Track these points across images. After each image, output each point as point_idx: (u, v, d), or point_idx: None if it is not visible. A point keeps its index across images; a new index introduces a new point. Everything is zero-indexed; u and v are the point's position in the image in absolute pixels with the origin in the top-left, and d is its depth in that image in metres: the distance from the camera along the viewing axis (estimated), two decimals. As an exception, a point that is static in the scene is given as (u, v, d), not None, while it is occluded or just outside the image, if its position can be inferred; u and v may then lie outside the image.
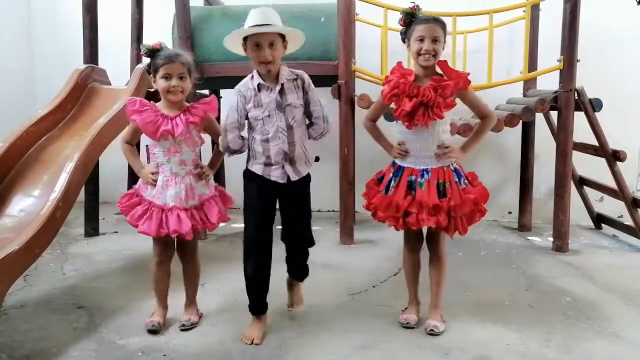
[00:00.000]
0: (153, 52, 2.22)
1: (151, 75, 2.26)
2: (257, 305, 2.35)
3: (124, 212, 2.27)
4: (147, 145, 2.33)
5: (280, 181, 2.26)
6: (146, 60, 2.31)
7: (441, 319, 2.35)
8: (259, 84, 2.22)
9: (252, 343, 2.24)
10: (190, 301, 2.45)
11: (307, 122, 2.34)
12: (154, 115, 2.21)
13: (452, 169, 2.26)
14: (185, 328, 2.34)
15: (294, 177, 2.26)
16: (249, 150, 2.33)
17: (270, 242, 2.30)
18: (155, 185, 2.24)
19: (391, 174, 2.29)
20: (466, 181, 2.27)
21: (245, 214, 2.35)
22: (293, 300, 2.54)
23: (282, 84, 2.21)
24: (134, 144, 2.35)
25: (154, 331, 2.30)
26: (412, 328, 2.35)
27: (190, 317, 2.38)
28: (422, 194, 2.19)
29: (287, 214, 2.37)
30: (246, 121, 2.31)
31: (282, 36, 2.20)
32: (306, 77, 2.30)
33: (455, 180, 2.24)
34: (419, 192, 2.20)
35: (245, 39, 2.19)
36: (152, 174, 2.26)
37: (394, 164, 2.33)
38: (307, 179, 2.36)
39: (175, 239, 2.34)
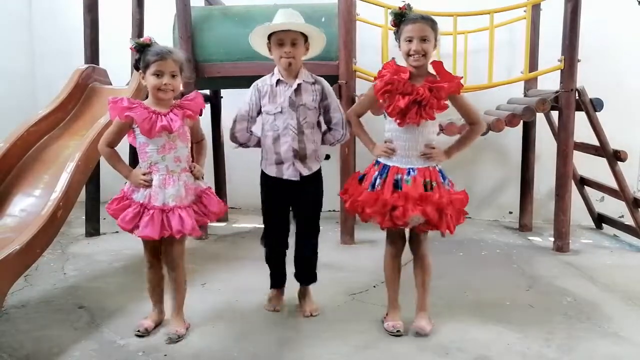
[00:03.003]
0: (143, 48, 2.15)
1: (140, 71, 2.19)
2: (278, 282, 2.56)
3: (114, 216, 2.18)
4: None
5: (293, 179, 2.35)
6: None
7: (429, 321, 2.32)
8: (277, 80, 2.32)
9: (274, 310, 2.49)
10: (177, 311, 2.32)
11: (325, 127, 2.44)
12: (147, 112, 2.13)
13: (438, 169, 2.25)
14: (172, 341, 2.22)
15: (305, 173, 2.36)
16: (261, 151, 2.40)
17: (287, 233, 2.44)
18: (147, 187, 2.16)
19: (376, 172, 2.26)
20: (450, 184, 2.26)
21: (264, 213, 2.47)
22: (305, 307, 2.53)
23: (299, 84, 2.30)
24: (114, 147, 2.21)
25: (139, 336, 2.26)
26: (402, 336, 2.29)
27: (177, 329, 2.26)
28: (409, 188, 2.17)
29: (297, 214, 2.45)
30: (259, 118, 2.39)
31: (305, 38, 2.31)
32: (325, 83, 2.40)
33: (441, 181, 2.23)
34: (405, 187, 2.18)
35: (269, 37, 2.30)
36: (144, 174, 2.17)
37: (377, 163, 2.30)
38: (318, 176, 2.45)
39: (161, 244, 2.26)
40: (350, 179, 2.38)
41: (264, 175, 2.44)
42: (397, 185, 2.21)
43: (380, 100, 2.23)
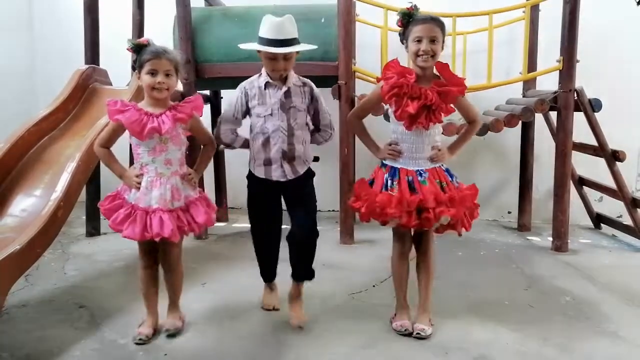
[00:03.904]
0: (139, 48, 2.16)
1: (136, 71, 2.19)
2: (267, 274, 2.58)
3: (105, 215, 2.18)
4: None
5: (281, 180, 2.32)
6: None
7: (429, 322, 2.33)
8: (266, 83, 2.28)
9: (273, 309, 2.51)
10: (173, 306, 2.36)
11: (312, 127, 2.41)
12: (138, 114, 2.13)
13: (444, 169, 2.28)
14: (171, 333, 2.27)
15: (291, 176, 2.33)
16: (250, 152, 2.36)
17: (279, 234, 2.43)
18: (139, 189, 2.17)
19: (386, 174, 2.25)
20: (458, 180, 2.29)
21: (251, 215, 2.40)
22: (293, 316, 2.40)
23: (289, 87, 2.28)
24: (110, 147, 2.24)
25: (140, 343, 2.23)
26: (410, 335, 2.29)
27: (174, 322, 2.31)
28: (430, 189, 2.17)
29: (291, 209, 2.40)
30: (247, 118, 2.35)
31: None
32: (313, 85, 2.38)
33: (449, 180, 2.26)
34: (424, 188, 2.17)
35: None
36: (137, 176, 2.18)
37: (383, 165, 2.30)
38: (308, 175, 2.40)
39: (157, 246, 2.26)
40: (357, 186, 2.33)
41: (251, 177, 2.39)
42: (410, 187, 2.20)
43: (387, 103, 2.23)
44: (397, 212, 2.16)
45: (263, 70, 2.30)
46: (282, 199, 2.42)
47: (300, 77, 2.36)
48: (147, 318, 2.35)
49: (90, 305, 2.63)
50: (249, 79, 2.35)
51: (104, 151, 2.23)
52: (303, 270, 2.44)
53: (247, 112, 2.35)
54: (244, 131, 2.43)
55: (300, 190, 2.38)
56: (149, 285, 2.33)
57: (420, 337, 2.26)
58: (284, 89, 2.26)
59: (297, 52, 2.27)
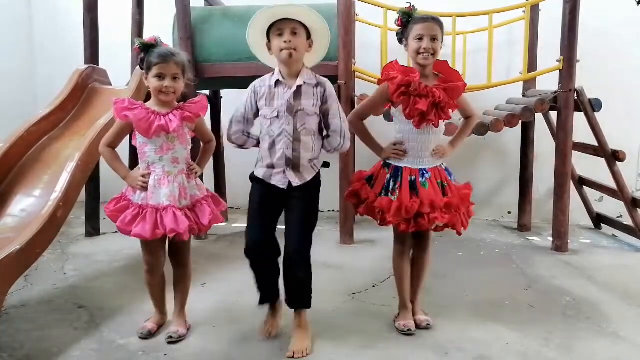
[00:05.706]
0: (147, 48, 2.14)
1: (143, 71, 2.19)
2: (265, 296, 2.27)
3: (111, 218, 2.16)
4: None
5: (280, 186, 2.16)
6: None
7: (423, 312, 2.41)
8: (277, 81, 2.15)
9: (269, 335, 2.25)
10: (180, 310, 2.33)
11: (325, 132, 2.23)
12: (146, 112, 2.13)
13: (444, 168, 2.30)
14: (172, 341, 2.22)
15: (295, 183, 2.15)
16: (259, 152, 2.26)
17: (274, 244, 2.20)
18: (145, 190, 2.15)
19: (388, 175, 2.25)
20: (455, 179, 2.32)
21: (249, 217, 2.27)
22: (291, 346, 2.15)
23: (299, 86, 2.12)
24: (115, 147, 2.22)
25: (142, 338, 2.25)
26: (413, 335, 2.29)
27: (178, 328, 2.26)
28: (429, 194, 2.17)
29: (288, 221, 2.20)
30: (257, 120, 2.26)
31: (308, 33, 2.14)
32: (328, 85, 2.18)
33: (450, 179, 2.28)
34: (423, 191, 2.18)
35: (268, 35, 2.15)
36: (143, 176, 2.16)
37: (386, 165, 2.29)
38: (313, 185, 2.21)
39: (168, 243, 2.25)
40: (355, 180, 2.33)
41: (253, 177, 2.25)
42: (412, 187, 2.21)
43: (395, 102, 2.22)
44: (394, 220, 2.18)
45: (276, 69, 2.19)
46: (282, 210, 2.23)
47: (317, 76, 2.20)
48: (154, 315, 2.37)
49: (89, 305, 2.63)
50: (261, 77, 2.23)
51: (109, 151, 2.22)
52: (293, 297, 2.22)
53: (257, 112, 2.22)
54: (257, 129, 2.32)
55: (300, 203, 2.18)
56: (155, 287, 2.32)
57: (429, 327, 2.32)
58: (294, 88, 2.12)
59: (309, 41, 2.14)
